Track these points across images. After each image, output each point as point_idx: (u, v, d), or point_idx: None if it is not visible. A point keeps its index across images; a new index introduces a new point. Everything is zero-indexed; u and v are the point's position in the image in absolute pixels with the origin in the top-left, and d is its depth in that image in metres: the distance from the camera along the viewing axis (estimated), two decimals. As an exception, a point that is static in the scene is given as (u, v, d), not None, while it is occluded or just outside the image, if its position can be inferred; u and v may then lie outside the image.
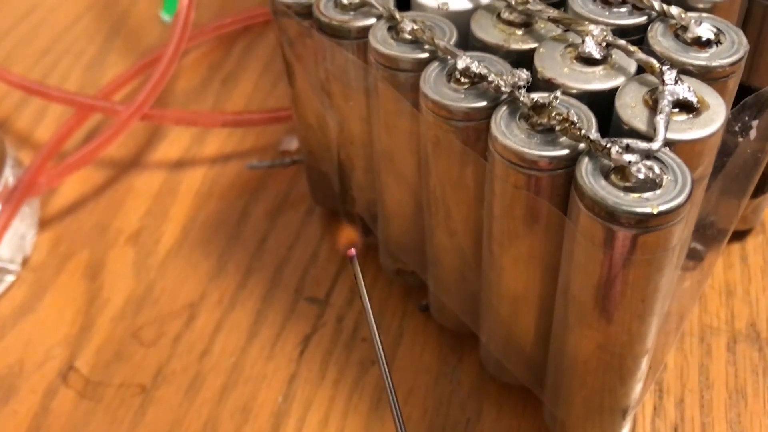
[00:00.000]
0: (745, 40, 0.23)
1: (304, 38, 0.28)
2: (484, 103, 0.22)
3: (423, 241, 0.28)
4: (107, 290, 0.34)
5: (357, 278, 0.26)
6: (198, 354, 0.32)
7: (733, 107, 0.24)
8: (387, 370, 0.24)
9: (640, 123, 0.21)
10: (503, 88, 0.22)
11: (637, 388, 0.25)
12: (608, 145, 0.20)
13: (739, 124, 0.24)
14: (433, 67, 0.24)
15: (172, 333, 0.32)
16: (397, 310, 0.32)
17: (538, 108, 0.21)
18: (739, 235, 0.33)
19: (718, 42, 0.23)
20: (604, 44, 0.22)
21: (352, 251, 0.26)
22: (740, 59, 0.22)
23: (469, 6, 0.26)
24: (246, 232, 0.36)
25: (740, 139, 0.24)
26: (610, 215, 0.19)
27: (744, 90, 0.24)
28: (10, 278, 0.35)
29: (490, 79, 0.22)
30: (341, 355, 0.31)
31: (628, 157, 0.19)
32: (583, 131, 0.20)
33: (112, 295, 0.34)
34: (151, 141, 0.41)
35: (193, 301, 0.33)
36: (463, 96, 0.23)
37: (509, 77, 0.22)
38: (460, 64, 0.23)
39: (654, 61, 0.21)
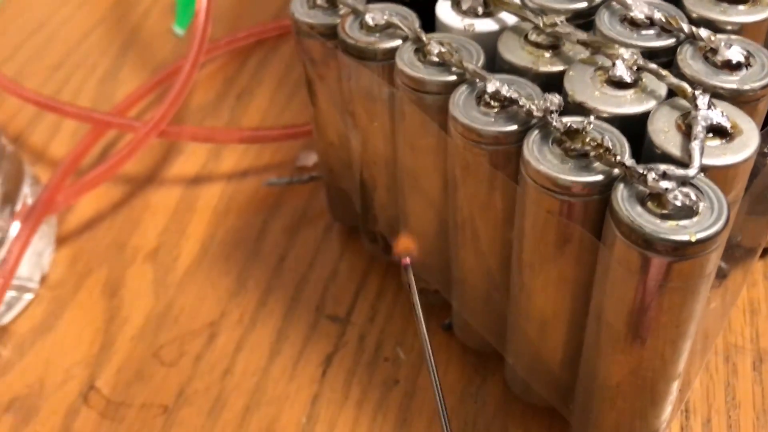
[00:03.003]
0: (775, 62, 0.23)
1: (328, 58, 0.28)
2: (514, 127, 0.22)
3: (447, 261, 0.28)
4: (126, 308, 0.34)
5: (411, 287, 0.26)
6: (220, 373, 0.31)
7: (762, 128, 0.24)
8: (439, 386, 0.24)
9: (673, 148, 0.21)
10: (535, 113, 0.22)
11: (668, 410, 0.25)
12: (645, 172, 0.20)
13: (768, 147, 0.24)
14: (462, 90, 0.24)
15: (194, 352, 0.32)
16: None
17: (572, 133, 0.21)
18: (762, 252, 0.32)
19: (748, 65, 0.23)
20: (634, 68, 0.22)
21: (407, 260, 0.26)
22: (771, 82, 0.22)
23: (495, 27, 0.26)
24: (265, 249, 0.36)
25: (768, 161, 0.24)
26: (647, 243, 0.19)
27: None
28: (28, 296, 0.35)
29: (521, 103, 0.22)
30: (364, 375, 0.31)
31: (664, 184, 0.19)
32: (618, 158, 0.20)
33: (131, 314, 0.34)
34: (168, 156, 0.41)
35: (213, 319, 0.33)
36: (493, 120, 0.23)
37: (541, 102, 0.22)
38: (490, 87, 0.23)
39: (686, 86, 0.21)
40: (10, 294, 0.35)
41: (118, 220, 0.38)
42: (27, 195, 0.36)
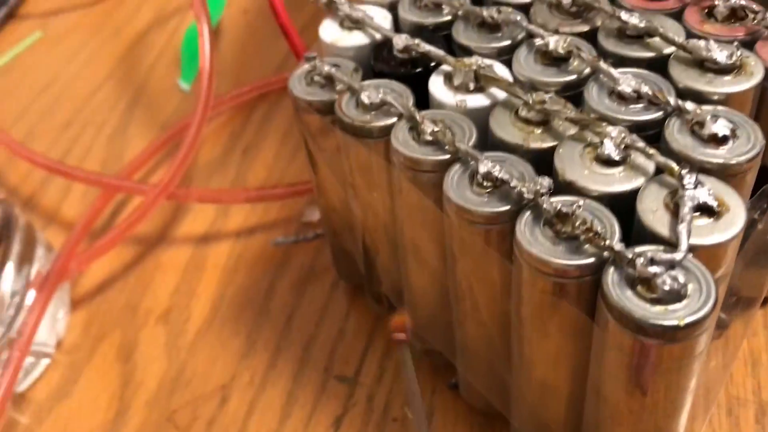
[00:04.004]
0: (760, 134, 0.23)
1: (326, 132, 0.29)
2: (507, 208, 0.23)
3: (450, 326, 0.29)
4: (140, 372, 0.35)
5: (406, 365, 0.26)
6: (232, 437, 0.32)
7: (751, 194, 0.24)
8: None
9: (662, 228, 0.21)
10: (526, 195, 0.22)
11: (669, 473, 0.25)
12: (633, 257, 0.20)
13: (758, 212, 0.24)
14: (456, 170, 0.24)
15: (206, 416, 0.33)
16: (426, 387, 0.32)
17: (562, 216, 0.22)
18: (762, 302, 0.33)
19: (734, 136, 0.23)
20: (622, 146, 0.23)
21: (402, 335, 0.27)
22: (757, 155, 0.23)
23: (486, 103, 0.26)
24: (273, 309, 0.36)
25: (759, 226, 0.24)
26: (637, 327, 0.20)
27: (760, 171, 0.24)
28: (45, 361, 0.36)
29: (512, 184, 0.23)
30: (373, 436, 0.31)
31: (653, 269, 0.20)
32: (607, 242, 0.21)
33: (145, 378, 0.35)
34: (176, 216, 0.42)
35: (225, 382, 0.34)
36: (486, 200, 0.23)
37: (531, 184, 0.22)
38: (482, 168, 0.23)
39: (673, 165, 0.22)
40: (28, 360, 0.35)
41: (130, 281, 0.39)
42: (40, 262, 0.37)
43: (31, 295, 0.36)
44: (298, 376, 0.34)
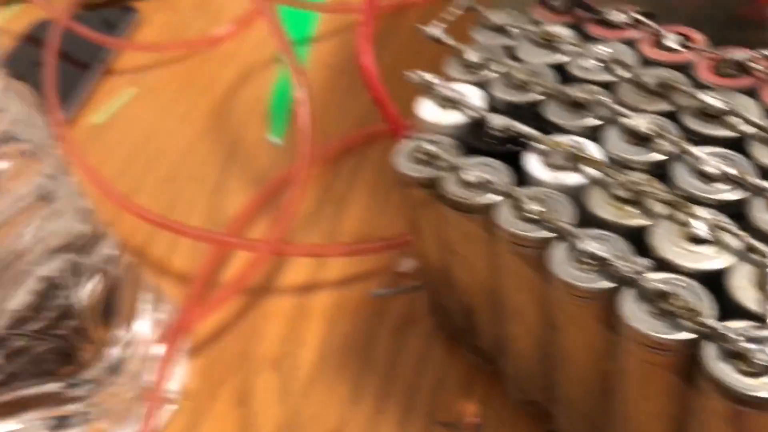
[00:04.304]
0: (840, 212, 0.25)
1: (428, 204, 0.32)
2: (609, 285, 0.26)
3: (549, 377, 0.32)
4: (258, 418, 0.39)
5: None
6: (348, 480, 0.35)
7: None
8: None
9: (752, 304, 0.24)
10: (626, 274, 0.25)
11: None
12: (727, 334, 0.23)
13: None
14: (558, 246, 0.27)
15: (323, 460, 0.36)
16: (524, 433, 0.35)
17: (660, 293, 0.24)
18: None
19: (815, 215, 0.26)
20: (712, 226, 0.25)
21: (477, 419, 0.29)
22: (839, 234, 0.25)
23: (581, 180, 0.29)
24: (376, 356, 0.40)
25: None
26: (734, 398, 0.22)
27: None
28: (172, 407, 0.40)
29: (612, 263, 0.25)
30: (478, 479, 0.34)
31: (747, 345, 0.22)
32: (704, 320, 0.23)
33: (263, 423, 0.38)
34: (279, 267, 0.45)
35: (336, 427, 0.37)
36: (588, 276, 0.26)
37: (631, 264, 0.25)
38: (583, 247, 0.26)
39: (760, 246, 0.24)
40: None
41: (241, 330, 0.43)
42: (165, 315, 0.41)
43: (158, 347, 0.40)
44: (404, 422, 0.37)
